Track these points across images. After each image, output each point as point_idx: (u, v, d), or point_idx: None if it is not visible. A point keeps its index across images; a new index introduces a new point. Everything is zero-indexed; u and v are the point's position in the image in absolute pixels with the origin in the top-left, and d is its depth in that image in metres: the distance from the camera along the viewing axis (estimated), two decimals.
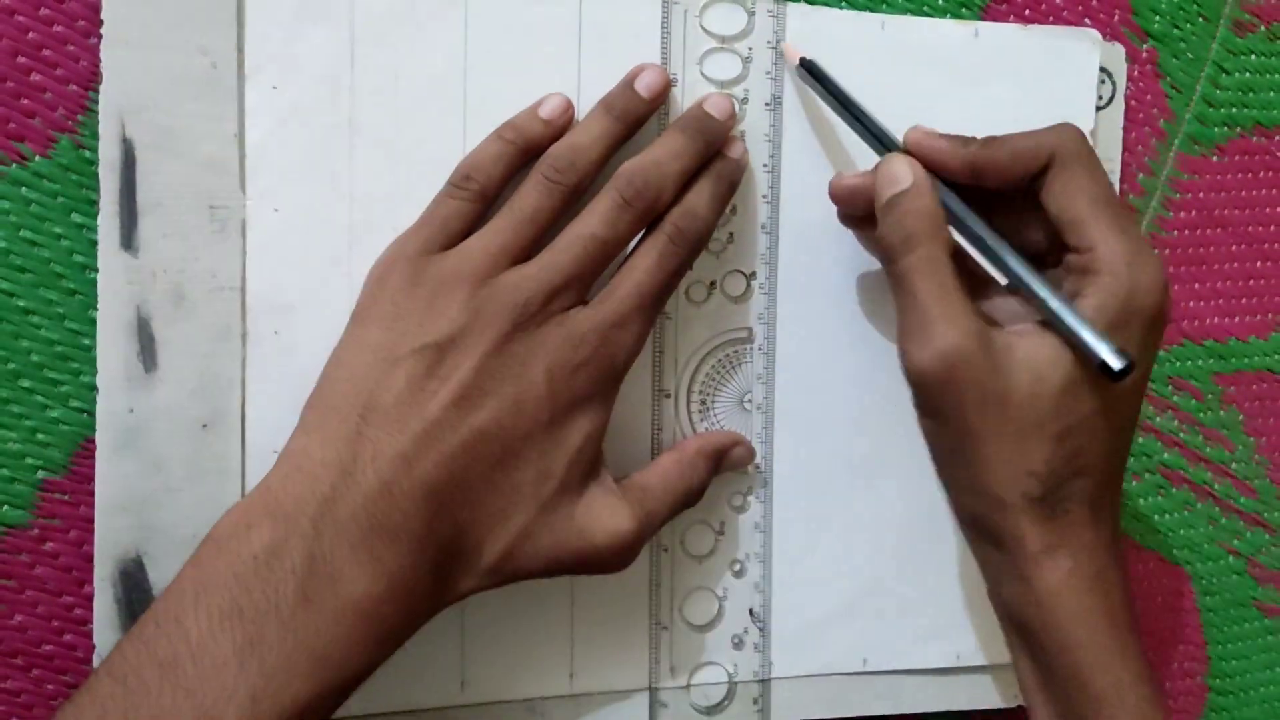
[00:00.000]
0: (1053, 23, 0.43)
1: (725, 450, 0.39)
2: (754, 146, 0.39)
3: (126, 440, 0.35)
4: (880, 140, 0.37)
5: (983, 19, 0.42)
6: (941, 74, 0.41)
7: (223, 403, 0.36)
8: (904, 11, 0.41)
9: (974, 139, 0.35)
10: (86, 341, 0.35)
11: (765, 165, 0.40)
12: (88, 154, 0.35)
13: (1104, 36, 0.43)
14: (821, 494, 0.41)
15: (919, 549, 0.42)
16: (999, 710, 0.44)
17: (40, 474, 0.36)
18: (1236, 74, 0.45)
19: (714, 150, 0.37)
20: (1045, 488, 0.33)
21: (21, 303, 0.35)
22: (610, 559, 0.35)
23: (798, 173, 0.40)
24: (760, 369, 0.40)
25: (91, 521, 0.35)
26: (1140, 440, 0.45)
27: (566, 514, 0.34)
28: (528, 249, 0.34)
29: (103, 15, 0.34)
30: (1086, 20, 0.43)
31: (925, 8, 0.41)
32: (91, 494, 0.35)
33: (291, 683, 0.29)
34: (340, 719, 0.31)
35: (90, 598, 0.35)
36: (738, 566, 0.41)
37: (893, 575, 0.42)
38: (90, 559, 0.35)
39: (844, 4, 0.40)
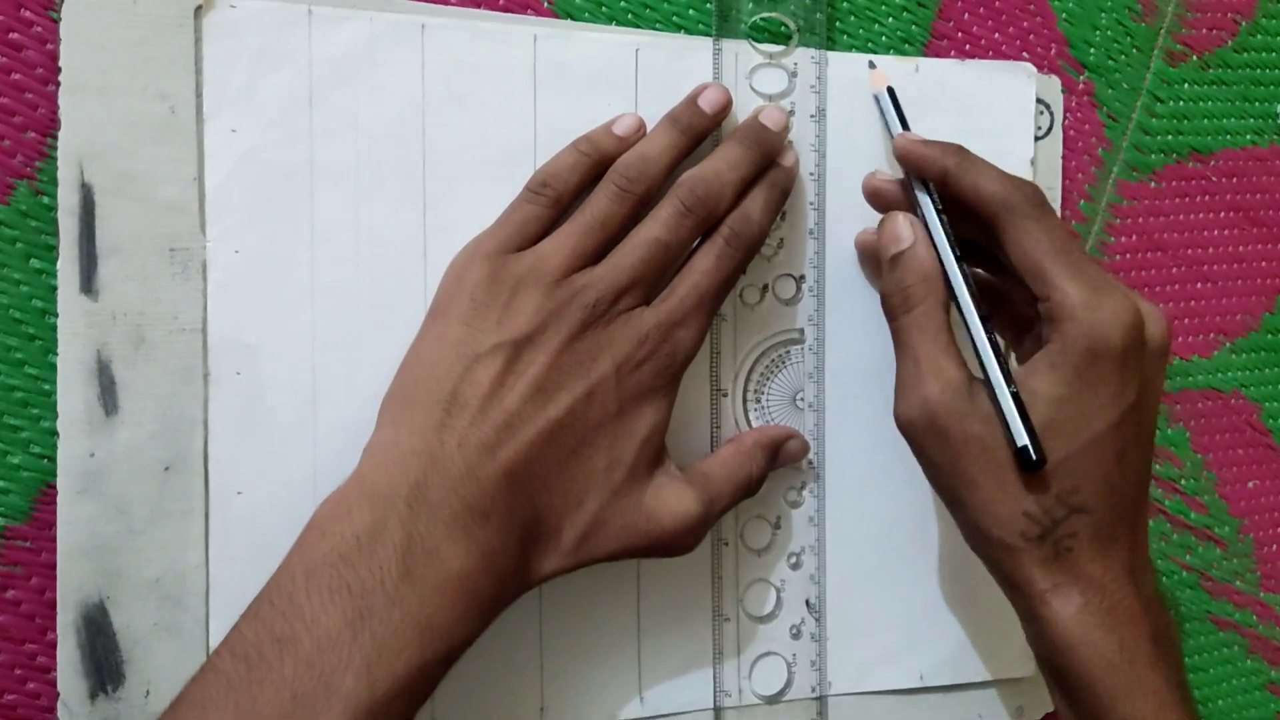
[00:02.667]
0: (992, 58, 0.44)
1: (780, 442, 0.40)
2: (801, 156, 0.41)
3: (88, 484, 0.35)
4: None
5: (924, 55, 0.43)
6: None
7: (185, 444, 0.36)
8: (849, 48, 0.42)
9: (957, 149, 0.37)
10: (47, 386, 0.35)
11: (812, 174, 0.41)
12: (46, 200, 0.35)
13: (1042, 70, 0.44)
14: (872, 490, 0.43)
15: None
16: None
17: (1, 521, 0.35)
18: (1171, 102, 0.47)
19: (769, 160, 0.39)
20: (1042, 527, 0.34)
21: None
22: (677, 541, 0.36)
23: (841, 181, 0.41)
24: (811, 368, 0.42)
25: (54, 568, 0.35)
26: None
27: (636, 499, 0.36)
28: (597, 252, 0.36)
29: (61, 63, 0.35)
30: (1025, 54, 0.44)
31: (869, 44, 0.43)
32: (54, 540, 0.35)
33: (402, 651, 0.30)
34: None
35: (53, 645, 0.35)
36: (794, 559, 0.42)
37: (948, 580, 0.44)
38: (53, 605, 0.35)
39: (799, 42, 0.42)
